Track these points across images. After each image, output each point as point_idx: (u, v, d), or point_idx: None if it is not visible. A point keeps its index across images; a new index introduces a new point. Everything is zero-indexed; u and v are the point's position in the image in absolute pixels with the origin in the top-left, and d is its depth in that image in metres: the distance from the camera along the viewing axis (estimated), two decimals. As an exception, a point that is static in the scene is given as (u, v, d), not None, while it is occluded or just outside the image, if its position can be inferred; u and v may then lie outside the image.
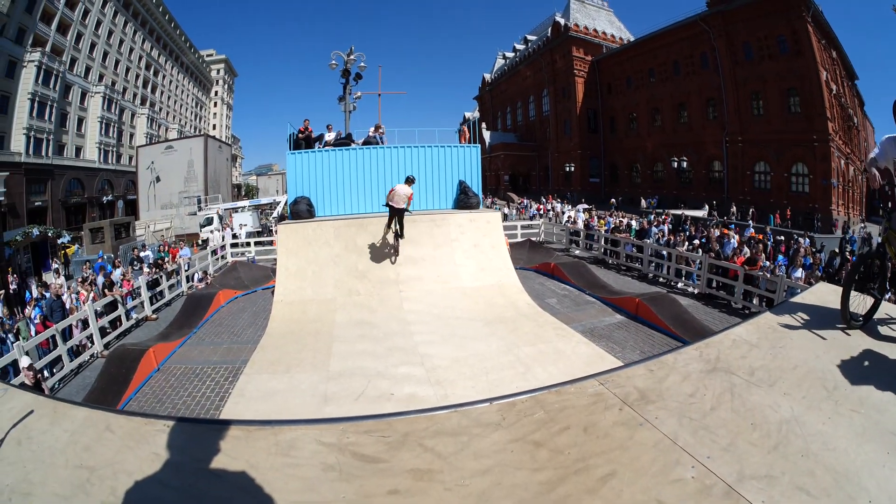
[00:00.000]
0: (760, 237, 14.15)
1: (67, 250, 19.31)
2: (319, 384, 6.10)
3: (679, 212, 23.02)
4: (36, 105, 32.53)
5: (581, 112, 41.73)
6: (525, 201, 33.06)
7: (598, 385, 2.96)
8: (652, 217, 19.37)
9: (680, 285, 12.02)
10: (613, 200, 29.87)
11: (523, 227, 20.36)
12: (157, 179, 37.32)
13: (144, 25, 48.14)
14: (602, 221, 18.50)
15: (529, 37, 50.57)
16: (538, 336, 7.63)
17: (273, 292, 9.72)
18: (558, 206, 26.30)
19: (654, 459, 2.29)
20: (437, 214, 10.92)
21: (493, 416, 2.73)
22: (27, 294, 12.35)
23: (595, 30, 43.03)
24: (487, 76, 58.95)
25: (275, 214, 25.11)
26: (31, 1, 31.81)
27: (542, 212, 25.79)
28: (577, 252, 17.20)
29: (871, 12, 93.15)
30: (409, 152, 11.92)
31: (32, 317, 9.01)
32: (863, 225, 28.42)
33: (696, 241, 12.64)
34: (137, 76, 47.65)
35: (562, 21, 42.72)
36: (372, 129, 12.69)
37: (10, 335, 7.87)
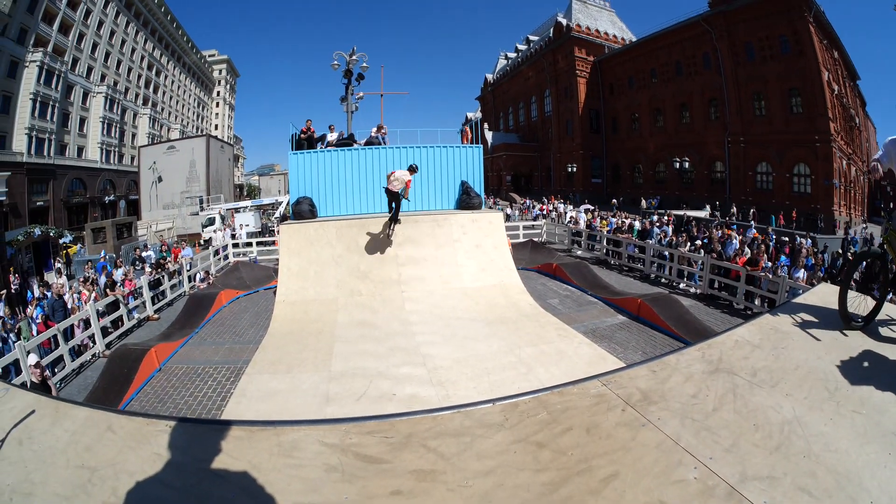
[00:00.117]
0: (763, 238, 14.13)
1: (69, 250, 19.36)
2: (321, 384, 6.10)
3: (681, 212, 22.99)
4: (38, 105, 32.57)
5: (583, 112, 41.74)
6: (527, 202, 33.05)
7: (600, 386, 2.96)
8: (655, 218, 19.35)
9: (682, 286, 12.00)
10: (615, 201, 29.85)
11: (525, 228, 20.39)
12: (160, 179, 37.32)
13: (146, 26, 48.26)
14: (604, 222, 18.49)
15: (531, 37, 50.54)
16: (540, 337, 7.61)
17: (275, 292, 9.73)
18: (561, 207, 26.30)
19: (657, 460, 2.29)
20: (440, 215, 10.92)
21: (496, 416, 2.72)
22: (29, 294, 12.41)
23: (597, 30, 43.02)
24: (489, 76, 59.00)
25: (277, 214, 25.15)
26: (32, 1, 31.88)
27: (545, 212, 25.79)
28: (579, 253, 17.19)
29: (872, 12, 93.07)
30: (412, 152, 11.92)
31: (34, 316, 9.04)
32: (864, 226, 28.36)
33: (699, 242, 12.62)
34: (139, 76, 47.77)
35: (564, 21, 42.76)
36: (374, 129, 12.68)
37: (11, 335, 7.90)
